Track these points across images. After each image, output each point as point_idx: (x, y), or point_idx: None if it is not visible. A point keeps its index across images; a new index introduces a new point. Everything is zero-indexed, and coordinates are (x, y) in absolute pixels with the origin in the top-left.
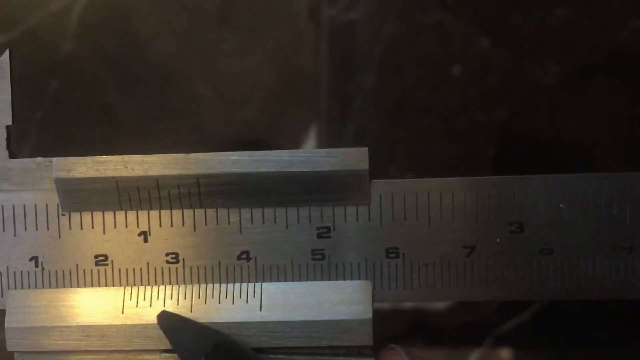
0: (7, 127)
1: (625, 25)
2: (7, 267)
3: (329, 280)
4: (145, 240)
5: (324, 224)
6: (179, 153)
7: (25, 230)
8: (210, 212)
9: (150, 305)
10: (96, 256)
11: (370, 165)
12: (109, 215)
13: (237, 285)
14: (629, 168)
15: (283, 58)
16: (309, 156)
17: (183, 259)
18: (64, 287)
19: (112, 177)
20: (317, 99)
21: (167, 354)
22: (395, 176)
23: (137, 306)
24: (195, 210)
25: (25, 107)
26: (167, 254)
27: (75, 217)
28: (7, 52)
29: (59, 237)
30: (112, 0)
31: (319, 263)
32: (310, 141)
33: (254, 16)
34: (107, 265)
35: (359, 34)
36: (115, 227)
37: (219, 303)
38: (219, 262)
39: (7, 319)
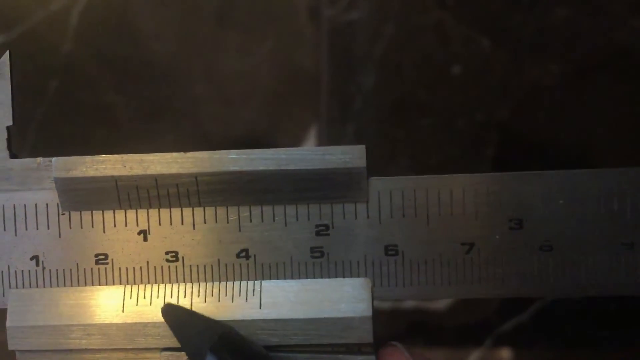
0: (8, 128)
1: (625, 25)
2: (8, 267)
3: (328, 277)
4: (145, 239)
5: (322, 222)
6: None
7: (26, 229)
8: (209, 210)
9: (151, 304)
10: (96, 255)
11: (370, 165)
12: (108, 214)
13: (237, 283)
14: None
15: (283, 58)
16: (307, 154)
17: (182, 258)
18: (65, 286)
19: (112, 177)
20: (317, 99)
21: (168, 352)
22: (395, 175)
23: (137, 305)
24: (195, 208)
25: (25, 107)
26: (167, 253)
27: (75, 216)
28: (7, 53)
29: (60, 236)
30: (112, 0)
31: (318, 261)
32: (310, 141)
33: (254, 16)
34: (107, 264)
35: (359, 34)
36: (115, 226)
37: (219, 301)
38: (218, 260)
39: (8, 318)
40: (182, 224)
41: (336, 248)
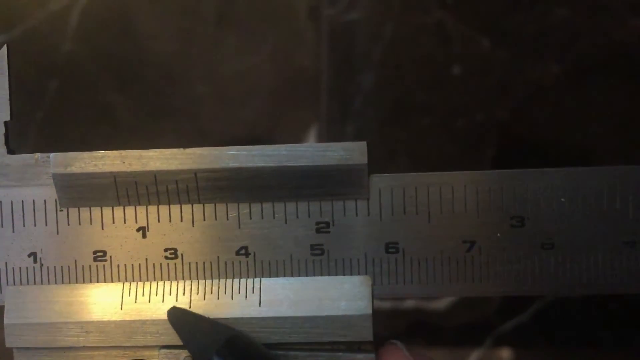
0: (6, 123)
1: (625, 25)
2: (6, 263)
3: (329, 275)
4: (144, 236)
5: (323, 219)
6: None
7: (24, 226)
8: (209, 207)
9: (149, 301)
10: (95, 252)
11: (370, 165)
12: (107, 211)
13: (236, 280)
14: None
15: (283, 58)
16: (307, 150)
17: (182, 255)
18: (63, 283)
19: (110, 173)
20: (317, 99)
21: (166, 350)
22: None
23: (135, 302)
24: (194, 205)
25: (25, 107)
26: (166, 250)
27: (74, 212)
28: (4, 48)
29: (57, 232)
30: (112, 0)
31: (318, 258)
32: (310, 141)
33: (254, 16)
34: (105, 261)
35: (359, 34)
36: (113, 222)
37: (218, 299)
38: (218, 257)
39: (5, 315)
40: (182, 220)
41: (336, 245)
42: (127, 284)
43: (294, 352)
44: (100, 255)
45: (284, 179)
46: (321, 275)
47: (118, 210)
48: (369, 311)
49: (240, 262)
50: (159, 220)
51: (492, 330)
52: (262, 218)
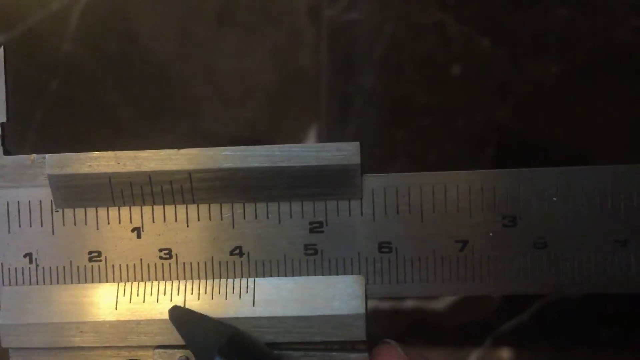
0: (2, 124)
1: (625, 25)
2: (2, 264)
3: (322, 275)
4: (139, 236)
5: (316, 219)
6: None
7: (19, 226)
8: (203, 207)
9: (144, 301)
10: (90, 252)
11: (370, 165)
12: (102, 211)
13: (230, 280)
14: None
15: (283, 58)
16: (301, 151)
17: (176, 255)
18: (58, 283)
19: (105, 173)
20: (317, 99)
21: (161, 350)
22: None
23: (130, 302)
24: (188, 205)
25: (25, 107)
26: (160, 250)
27: (69, 213)
28: (1, 50)
29: (53, 233)
30: (112, 0)
31: (312, 258)
32: (310, 141)
33: (254, 16)
34: (100, 261)
35: (359, 34)
36: (108, 223)
37: (212, 298)
38: (212, 257)
39: (1, 315)
40: (176, 221)
41: (330, 245)
42: (121, 284)
43: (288, 352)
44: (95, 256)
45: (278, 179)
46: (315, 275)
47: (113, 211)
48: (362, 310)
49: (234, 262)
50: (153, 221)
51: (491, 330)
52: (256, 218)
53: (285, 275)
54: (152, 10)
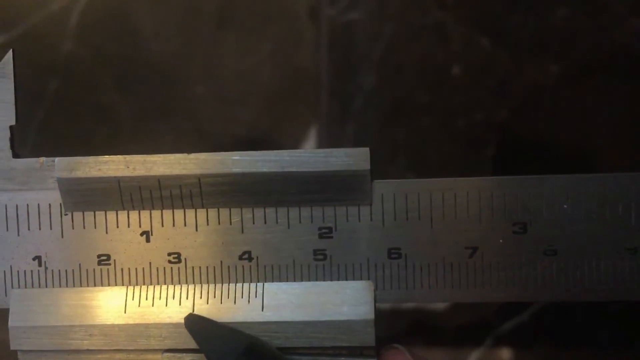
0: (11, 127)
1: (625, 25)
2: (11, 267)
3: (331, 280)
4: (148, 240)
5: (325, 224)
6: (179, 153)
7: (29, 229)
8: (212, 212)
9: (153, 305)
10: (99, 256)
11: (371, 165)
12: (111, 215)
13: (239, 285)
14: (629, 168)
15: (283, 58)
16: (310, 156)
17: (185, 259)
18: (67, 286)
19: (114, 177)
20: (317, 99)
21: (170, 354)
22: (395, 176)
23: (139, 306)
24: (197, 210)
25: (25, 107)
26: (169, 254)
27: (78, 216)
28: (10, 53)
29: (62, 236)
30: (112, 0)
31: (321, 263)
32: (310, 141)
33: (254, 16)
34: (109, 264)
35: (359, 34)
36: (117, 226)
37: (221, 303)
38: (221, 262)
39: (10, 318)
40: (185, 225)
41: (339, 251)
42: (130, 288)
43: (296, 357)
44: (104, 259)
45: (287, 185)
46: (324, 280)
47: (122, 215)
48: (372, 316)
49: (243, 266)
50: (162, 225)
51: (491, 331)
52: (265, 223)
53: (294, 281)
54: (152, 10)
